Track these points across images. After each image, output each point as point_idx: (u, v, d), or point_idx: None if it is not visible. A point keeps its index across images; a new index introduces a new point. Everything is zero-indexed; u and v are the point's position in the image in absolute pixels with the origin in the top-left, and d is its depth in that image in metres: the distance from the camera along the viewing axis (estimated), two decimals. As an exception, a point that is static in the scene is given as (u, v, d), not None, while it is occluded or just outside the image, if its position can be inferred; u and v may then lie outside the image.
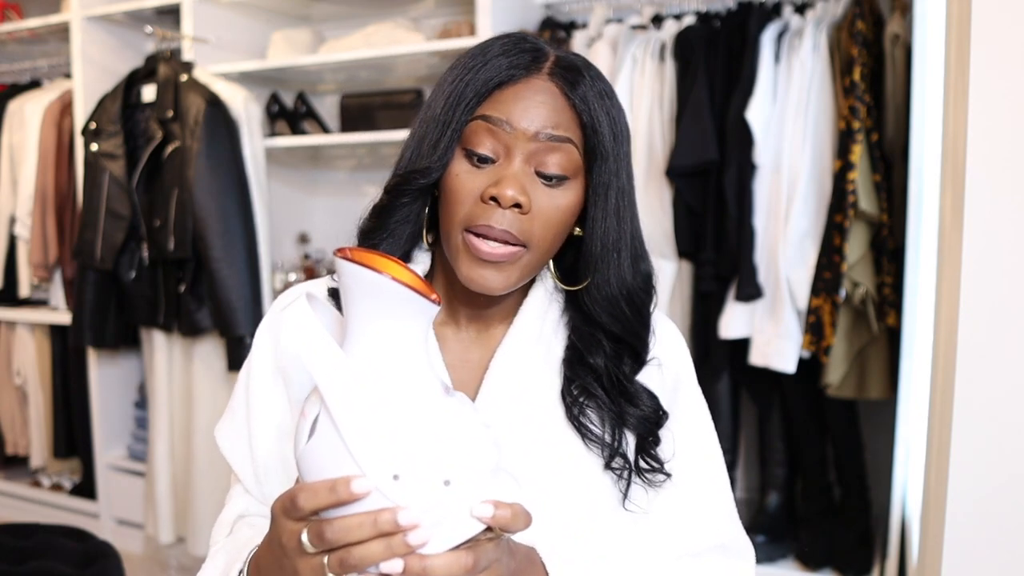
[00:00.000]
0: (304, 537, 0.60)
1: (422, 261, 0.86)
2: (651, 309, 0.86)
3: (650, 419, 0.83)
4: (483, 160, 0.77)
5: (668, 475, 0.84)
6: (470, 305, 0.86)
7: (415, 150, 0.81)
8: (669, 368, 0.89)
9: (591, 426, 0.81)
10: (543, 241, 0.78)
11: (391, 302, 0.59)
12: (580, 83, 0.78)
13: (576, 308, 0.85)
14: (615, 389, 0.83)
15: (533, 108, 0.76)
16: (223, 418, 0.90)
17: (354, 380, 0.59)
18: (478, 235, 0.76)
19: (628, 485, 0.81)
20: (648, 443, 0.83)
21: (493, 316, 0.86)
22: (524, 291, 0.87)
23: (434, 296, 0.61)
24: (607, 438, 0.81)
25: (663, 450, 0.84)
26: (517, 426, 0.81)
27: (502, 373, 0.83)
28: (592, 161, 0.79)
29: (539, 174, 0.77)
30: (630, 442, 0.83)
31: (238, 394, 0.89)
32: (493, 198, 0.75)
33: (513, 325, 0.85)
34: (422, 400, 0.60)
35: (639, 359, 0.85)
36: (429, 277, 0.87)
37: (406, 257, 0.84)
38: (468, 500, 0.59)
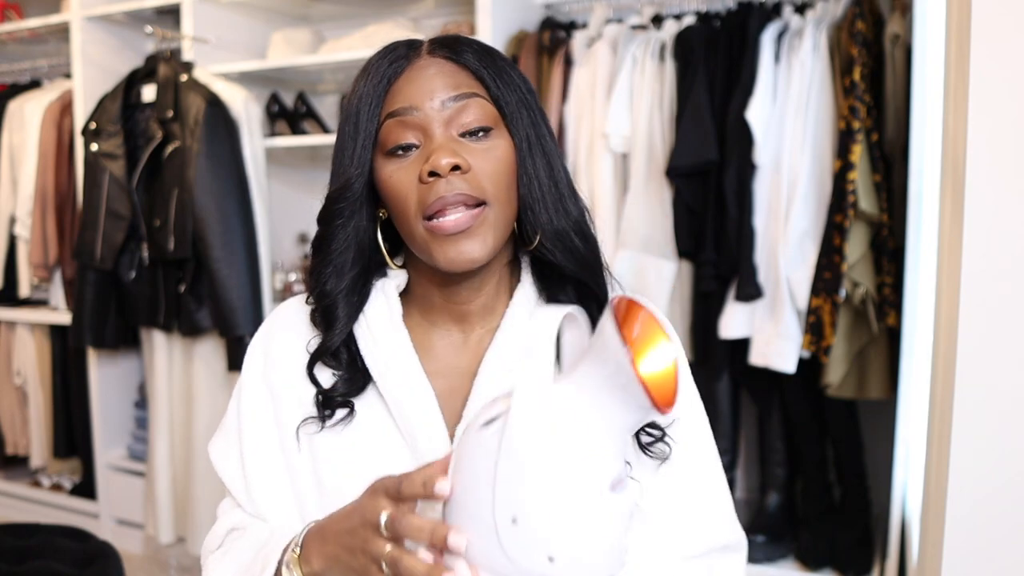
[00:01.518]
0: (383, 518, 0.64)
1: (396, 277, 0.86)
2: (596, 239, 0.85)
3: None
4: (406, 149, 0.79)
5: (670, 444, 0.84)
6: (452, 304, 0.85)
7: (337, 172, 0.83)
8: None
9: None
10: (498, 192, 0.78)
11: (624, 385, 0.55)
12: (460, 47, 0.81)
13: (547, 297, 0.85)
14: None
15: (427, 82, 0.79)
16: (216, 434, 0.91)
17: (549, 426, 0.56)
18: (436, 215, 0.77)
19: None
20: None
21: (477, 318, 0.86)
22: (508, 294, 0.86)
23: (665, 408, 0.55)
24: None
25: (659, 419, 0.84)
26: None
27: (491, 379, 0.82)
28: (502, 108, 0.80)
29: (463, 135, 0.78)
30: None
31: (231, 411, 0.90)
32: (432, 172, 0.76)
33: (500, 330, 0.84)
34: (589, 490, 0.57)
35: (601, 305, 0.84)
36: (405, 292, 0.87)
37: (360, 284, 0.84)
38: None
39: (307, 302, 0.87)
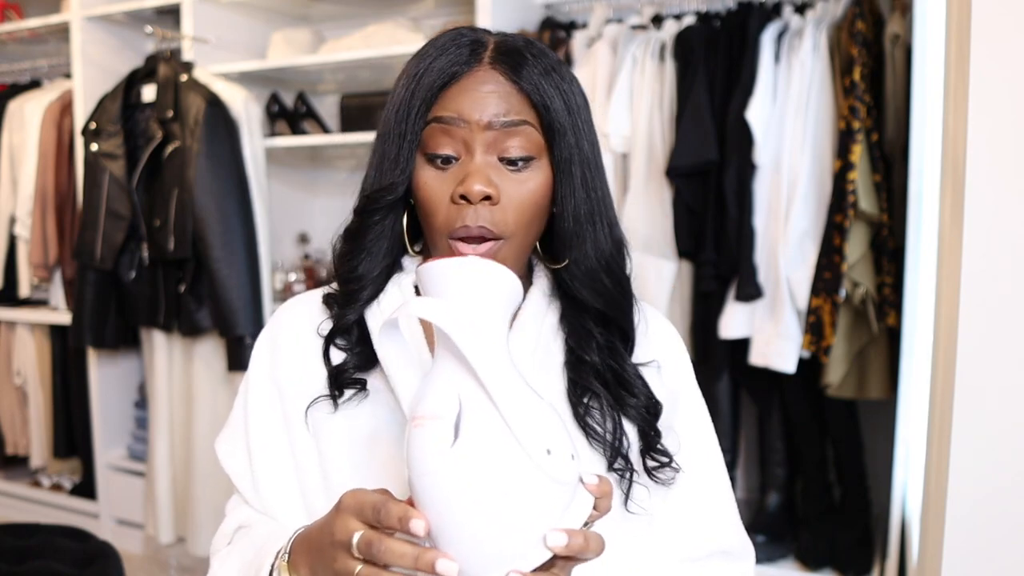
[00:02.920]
0: (355, 539, 0.62)
1: (411, 271, 0.86)
2: (628, 276, 0.86)
3: (649, 408, 0.83)
4: (446, 160, 0.78)
5: (677, 470, 0.83)
6: None
7: (377, 168, 0.82)
8: (668, 371, 0.88)
9: (596, 426, 0.81)
10: (519, 228, 0.79)
11: (495, 288, 0.62)
12: (523, 64, 0.78)
13: (567, 300, 0.85)
14: (613, 380, 0.82)
15: (481, 98, 0.77)
16: (223, 431, 0.91)
17: (510, 368, 0.61)
18: (460, 239, 0.78)
19: (630, 486, 0.81)
20: (651, 437, 0.83)
21: None
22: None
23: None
24: (609, 437, 0.81)
25: (667, 444, 0.84)
26: None
27: None
28: (552, 138, 0.79)
29: (502, 161, 0.78)
30: (632, 444, 0.82)
31: (237, 408, 0.89)
32: (463, 196, 0.76)
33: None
34: (532, 385, 0.63)
35: (627, 337, 0.85)
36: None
37: (390, 270, 0.85)
38: (580, 474, 0.63)
39: (331, 286, 0.87)
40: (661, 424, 0.85)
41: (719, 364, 2.17)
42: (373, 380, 0.83)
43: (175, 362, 2.66)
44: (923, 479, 1.64)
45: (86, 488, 3.03)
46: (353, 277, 0.83)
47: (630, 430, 0.83)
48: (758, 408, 2.29)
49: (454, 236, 0.77)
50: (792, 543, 2.20)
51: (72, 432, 3.05)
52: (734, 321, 2.07)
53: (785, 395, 2.18)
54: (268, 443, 0.85)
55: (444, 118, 0.77)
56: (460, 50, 0.79)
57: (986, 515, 1.15)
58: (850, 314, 1.98)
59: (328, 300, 0.87)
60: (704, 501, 0.87)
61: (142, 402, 2.99)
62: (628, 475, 0.81)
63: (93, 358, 2.89)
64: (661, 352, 0.89)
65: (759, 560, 2.12)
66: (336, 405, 0.82)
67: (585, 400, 0.81)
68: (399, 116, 0.79)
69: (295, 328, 0.88)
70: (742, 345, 2.11)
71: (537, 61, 0.79)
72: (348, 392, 0.82)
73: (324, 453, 0.83)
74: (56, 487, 3.15)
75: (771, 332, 2.03)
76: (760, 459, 2.33)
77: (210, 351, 2.60)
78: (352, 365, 0.82)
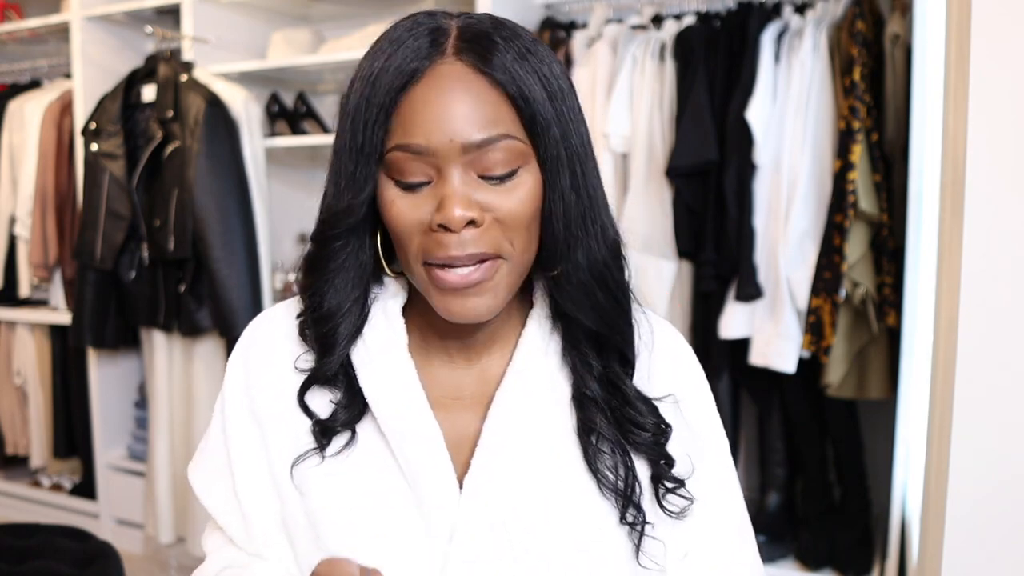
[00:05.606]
0: None
1: (396, 293, 0.78)
2: (627, 285, 0.76)
3: (657, 438, 0.76)
4: (417, 186, 0.67)
5: (689, 499, 0.77)
6: (452, 335, 0.77)
7: (335, 186, 0.71)
8: (688, 406, 0.81)
9: (607, 472, 0.74)
10: (517, 243, 0.68)
11: None
12: (493, 51, 0.66)
13: (564, 319, 0.76)
14: (617, 414, 0.75)
15: (449, 110, 0.65)
16: (197, 458, 0.80)
17: None
18: (440, 266, 0.67)
19: (641, 537, 0.74)
20: (662, 467, 0.76)
21: (482, 347, 0.77)
22: (520, 319, 0.78)
23: None
24: (620, 485, 0.74)
25: (680, 471, 0.77)
26: (528, 471, 0.73)
27: (508, 414, 0.73)
28: (536, 134, 0.67)
29: (484, 178, 0.67)
30: (644, 491, 0.76)
31: (213, 433, 0.79)
32: (441, 225, 0.65)
33: (513, 361, 0.75)
34: None
35: (627, 361, 0.76)
36: (405, 308, 0.78)
37: (363, 298, 0.75)
38: None
39: (298, 318, 0.77)
40: (684, 468, 0.78)
41: (719, 364, 2.17)
42: (362, 426, 0.75)
43: (175, 362, 2.66)
44: (923, 479, 1.64)
45: (86, 488, 3.03)
46: (322, 316, 0.73)
47: (640, 465, 0.76)
48: (758, 408, 2.29)
49: (434, 263, 0.67)
50: (792, 543, 2.20)
51: (72, 432, 3.05)
52: (734, 321, 2.07)
53: (785, 395, 2.18)
54: (255, 481, 0.76)
55: (410, 146, 0.65)
56: (418, 41, 0.67)
57: (986, 515, 1.15)
58: (850, 314, 1.98)
59: (303, 333, 0.76)
60: (728, 540, 0.81)
61: (142, 402, 2.99)
62: (640, 527, 0.74)
63: (93, 358, 2.89)
64: (677, 382, 0.81)
65: (759, 560, 2.14)
66: (324, 456, 0.73)
67: (593, 440, 0.74)
68: (354, 125, 0.67)
69: (270, 361, 0.78)
70: (742, 345, 2.11)
71: (509, 45, 0.67)
72: (337, 443, 0.74)
73: (313, 511, 0.73)
74: (56, 487, 3.15)
75: (771, 332, 2.03)
76: (760, 459, 2.33)
77: (210, 351, 2.60)
78: (341, 421, 0.74)
